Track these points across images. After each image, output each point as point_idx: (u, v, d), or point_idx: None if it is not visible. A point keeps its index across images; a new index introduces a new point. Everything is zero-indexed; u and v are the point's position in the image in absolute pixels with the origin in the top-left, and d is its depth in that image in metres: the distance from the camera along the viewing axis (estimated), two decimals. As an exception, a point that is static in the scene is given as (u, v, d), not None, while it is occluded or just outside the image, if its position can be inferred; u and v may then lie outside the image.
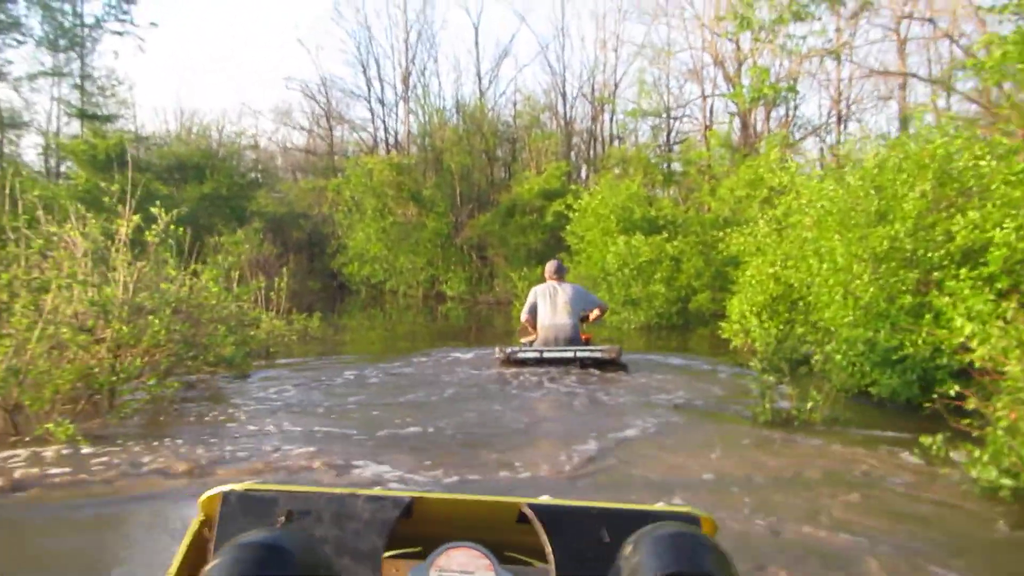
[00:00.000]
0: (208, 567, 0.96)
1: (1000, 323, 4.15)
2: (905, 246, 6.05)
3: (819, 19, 15.59)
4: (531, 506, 1.25)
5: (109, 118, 21.52)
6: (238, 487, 1.27)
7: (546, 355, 7.04)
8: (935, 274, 5.85)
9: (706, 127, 19.89)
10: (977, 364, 4.19)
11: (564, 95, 22.98)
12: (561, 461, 4.15)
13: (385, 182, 18.81)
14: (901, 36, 16.10)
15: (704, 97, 20.37)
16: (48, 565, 3.02)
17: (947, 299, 5.20)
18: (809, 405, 4.89)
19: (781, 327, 7.57)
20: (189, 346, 5.82)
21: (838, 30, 16.73)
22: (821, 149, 18.61)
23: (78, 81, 21.09)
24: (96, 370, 4.84)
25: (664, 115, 21.20)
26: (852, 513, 3.33)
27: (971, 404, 3.94)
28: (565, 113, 22.91)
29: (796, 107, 20.07)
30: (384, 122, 24.83)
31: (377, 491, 1.31)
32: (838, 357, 6.01)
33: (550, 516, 1.23)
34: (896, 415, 5.39)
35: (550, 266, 7.75)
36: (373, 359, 8.08)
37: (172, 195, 17.47)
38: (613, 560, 1.09)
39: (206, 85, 44.00)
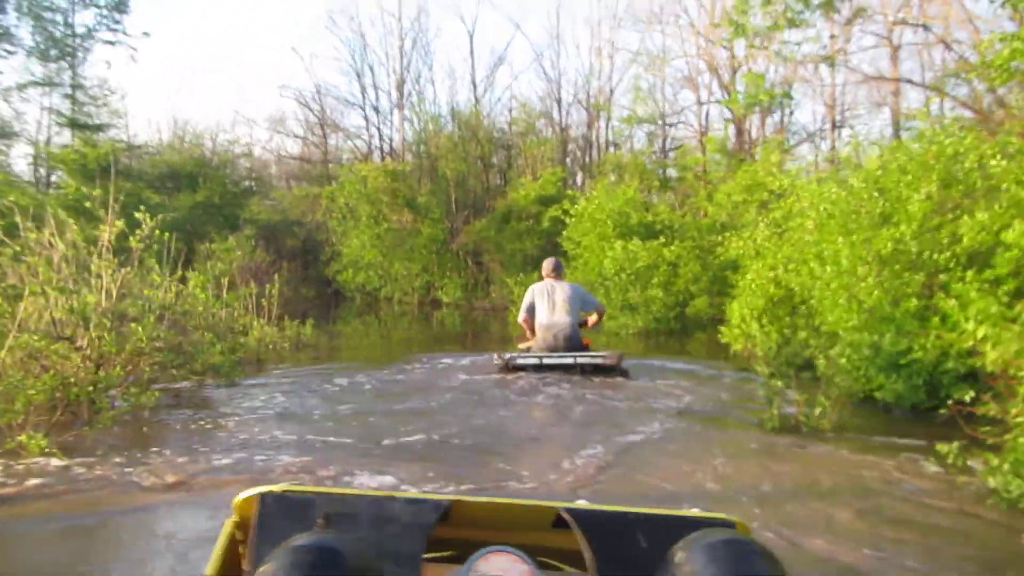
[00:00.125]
0: (263, 568, 0.96)
1: (1015, 326, 4.01)
2: (910, 248, 5.93)
3: (813, 26, 15.59)
4: (569, 511, 1.23)
5: (101, 128, 21.31)
6: (276, 488, 1.25)
7: (546, 361, 6.81)
8: (940, 277, 5.73)
9: (701, 133, 19.83)
10: (989, 368, 4.06)
11: (559, 102, 22.95)
12: (567, 469, 4.01)
13: (380, 189, 18.68)
14: (894, 43, 16.09)
15: (700, 104, 20.34)
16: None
17: (953, 302, 5.09)
18: (818, 411, 4.74)
19: (784, 331, 7.42)
20: (174, 354, 5.64)
21: (832, 36, 16.72)
22: (816, 155, 18.54)
23: (69, 91, 20.90)
24: (73, 380, 4.65)
25: (660, 122, 21.14)
26: (869, 524, 3.18)
27: (989, 410, 3.78)
28: (561, 120, 22.87)
29: (791, 113, 20.06)
30: (379, 129, 24.74)
31: (415, 494, 1.28)
32: (842, 361, 5.86)
33: (588, 521, 1.22)
34: (903, 421, 5.25)
35: (548, 264, 7.51)
36: (367, 366, 7.89)
37: (164, 203, 17.31)
38: (651, 565, 1.10)
39: (199, 92, 43.80)
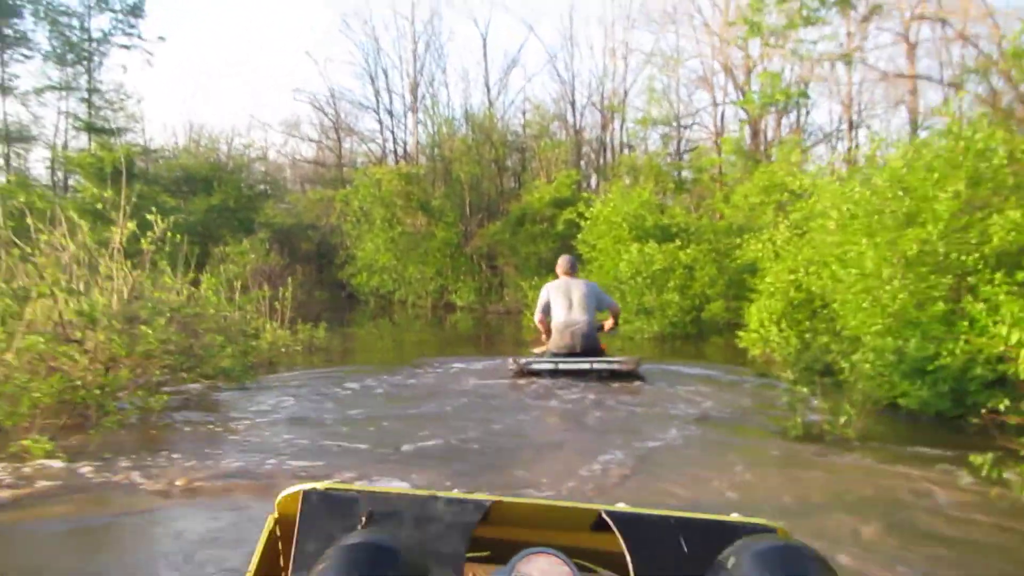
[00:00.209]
0: (320, 566, 0.97)
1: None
2: (937, 249, 5.76)
3: (830, 23, 15.40)
4: (610, 513, 1.23)
5: (117, 132, 21.47)
6: (319, 486, 1.25)
7: (561, 367, 6.64)
8: (969, 279, 5.56)
9: (717, 135, 19.66)
10: (1022, 375, 3.91)
11: (573, 104, 22.86)
12: (586, 476, 3.89)
13: (394, 192, 18.65)
14: (911, 40, 15.88)
15: (715, 104, 20.16)
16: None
17: (982, 305, 4.93)
18: (844, 419, 4.58)
19: (805, 335, 7.25)
20: (184, 357, 5.57)
21: (849, 34, 16.53)
22: (833, 155, 18.34)
23: (86, 95, 21.04)
24: (79, 383, 4.58)
25: (674, 123, 20.98)
26: (901, 538, 3.03)
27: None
28: (575, 122, 22.76)
29: (807, 113, 19.86)
30: (393, 133, 24.76)
31: (456, 494, 1.28)
32: (866, 367, 5.70)
33: (629, 524, 1.21)
34: (929, 429, 5.08)
35: (564, 261, 7.29)
36: (381, 369, 7.79)
37: (179, 207, 17.36)
38: (692, 569, 1.11)
39: (215, 97, 44.13)
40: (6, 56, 19.71)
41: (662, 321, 11.45)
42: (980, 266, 5.49)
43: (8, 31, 19.56)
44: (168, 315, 5.37)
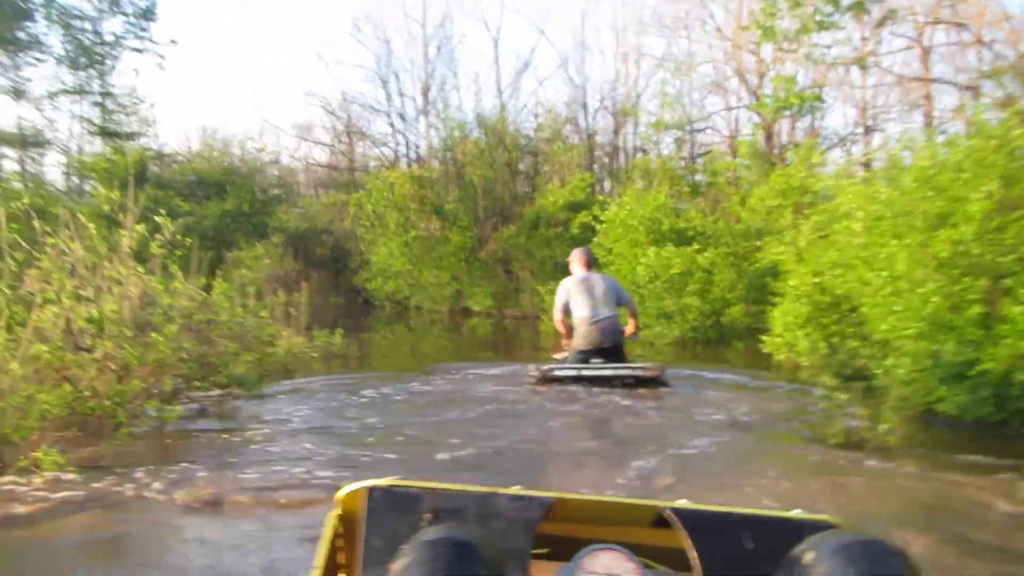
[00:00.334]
0: (402, 561, 0.98)
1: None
2: (972, 251, 5.59)
3: (843, 28, 15.24)
4: (673, 510, 1.22)
5: (131, 136, 21.50)
6: (382, 483, 1.27)
7: (585, 373, 6.41)
8: (1004, 281, 5.40)
9: (730, 138, 19.51)
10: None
11: (585, 107, 22.75)
12: (622, 484, 3.76)
13: (407, 196, 18.59)
14: (925, 45, 15.72)
15: (728, 109, 20.01)
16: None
17: (1020, 308, 4.78)
18: (886, 427, 4.41)
19: (832, 339, 7.08)
20: (198, 366, 5.44)
21: (863, 39, 16.37)
22: (848, 159, 18.15)
23: (99, 99, 21.08)
24: (88, 393, 4.43)
25: (687, 127, 20.84)
26: (962, 552, 2.86)
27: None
28: (587, 125, 22.64)
29: (822, 117, 19.68)
30: (405, 136, 24.72)
31: (517, 490, 1.28)
32: (901, 372, 5.53)
33: (692, 520, 1.20)
34: (970, 436, 4.89)
35: (580, 254, 6.85)
36: (399, 376, 7.67)
37: (193, 211, 17.33)
38: (757, 566, 1.11)
39: (226, 101, 44.36)
40: (19, 60, 19.77)
41: (683, 326, 11.28)
42: (1017, 268, 5.32)
43: (21, 35, 19.61)
44: (180, 322, 5.24)
